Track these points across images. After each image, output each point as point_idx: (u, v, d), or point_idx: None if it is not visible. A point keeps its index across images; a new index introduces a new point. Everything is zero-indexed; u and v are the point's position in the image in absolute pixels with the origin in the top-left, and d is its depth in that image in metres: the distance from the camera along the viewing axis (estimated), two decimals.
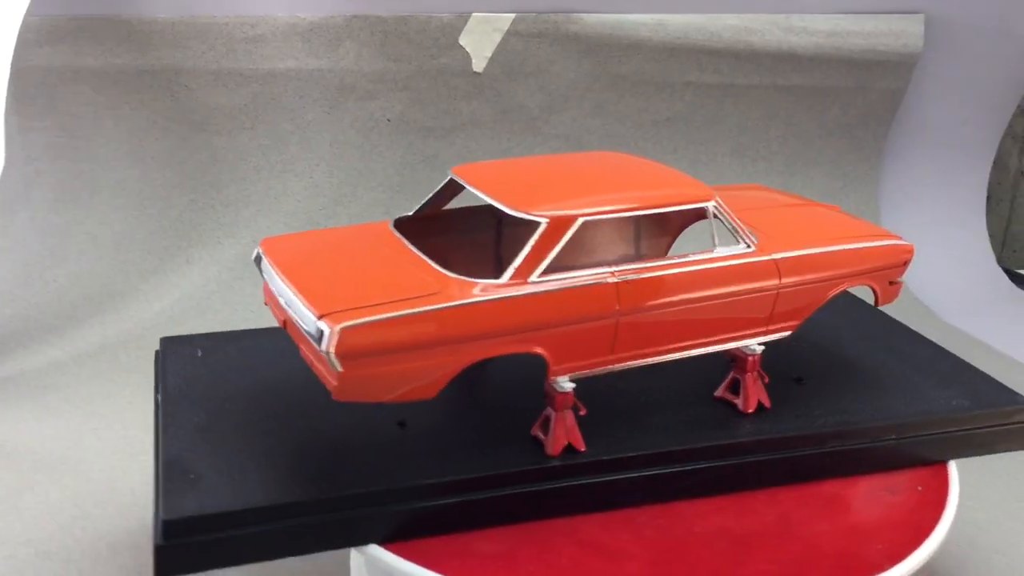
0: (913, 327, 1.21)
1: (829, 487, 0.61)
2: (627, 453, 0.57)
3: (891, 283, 0.66)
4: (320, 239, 0.63)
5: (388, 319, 0.50)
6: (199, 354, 0.68)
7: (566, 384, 0.55)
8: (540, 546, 0.54)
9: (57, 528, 0.75)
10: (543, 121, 1.21)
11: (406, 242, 0.58)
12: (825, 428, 0.62)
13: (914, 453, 0.63)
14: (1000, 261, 1.65)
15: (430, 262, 0.55)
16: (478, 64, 1.16)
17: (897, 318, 1.14)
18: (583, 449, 0.56)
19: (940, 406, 0.65)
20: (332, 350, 0.49)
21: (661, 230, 0.71)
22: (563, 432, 0.56)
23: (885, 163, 1.39)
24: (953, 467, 0.64)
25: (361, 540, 0.53)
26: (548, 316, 0.53)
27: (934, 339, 1.25)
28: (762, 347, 0.62)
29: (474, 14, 1.13)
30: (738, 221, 0.60)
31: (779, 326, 0.62)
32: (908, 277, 1.32)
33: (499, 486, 0.55)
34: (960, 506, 0.61)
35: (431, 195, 0.64)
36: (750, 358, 0.61)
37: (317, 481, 0.54)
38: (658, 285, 0.56)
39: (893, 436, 0.62)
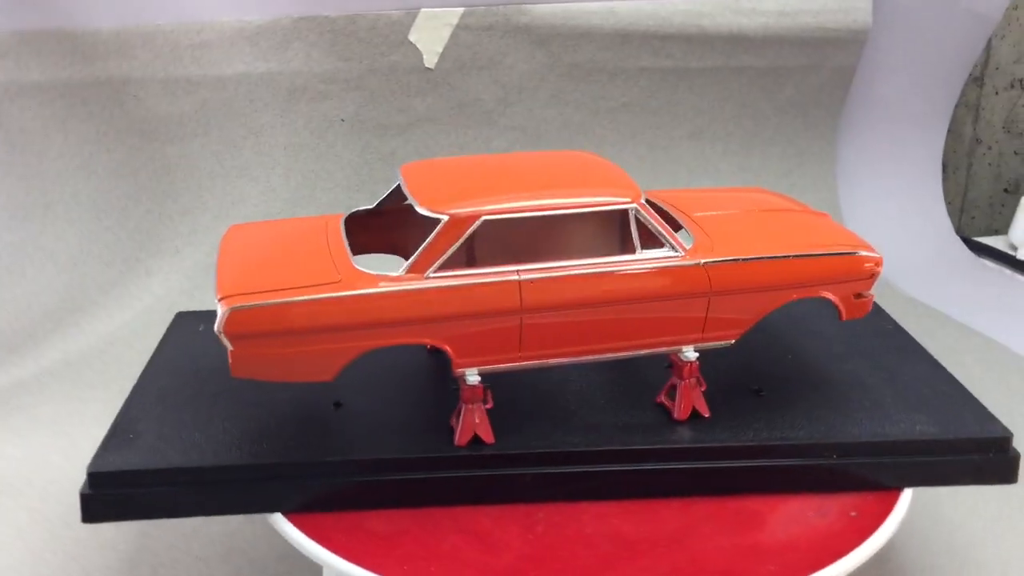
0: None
1: (753, 503, 0.58)
2: (533, 450, 0.58)
3: (857, 296, 0.62)
4: (277, 227, 0.66)
5: (277, 304, 0.53)
6: (201, 328, 0.73)
7: (472, 378, 0.57)
8: (428, 531, 0.56)
9: (27, 552, 0.75)
10: (499, 113, 1.21)
11: (343, 235, 0.60)
12: (754, 442, 0.59)
13: (862, 477, 0.59)
14: (959, 229, 1.67)
15: (348, 255, 0.57)
16: (429, 60, 1.15)
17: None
18: (490, 442, 0.58)
19: (899, 430, 0.60)
20: (222, 330, 0.53)
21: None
22: (471, 424, 0.58)
23: (840, 139, 1.41)
24: (907, 495, 0.60)
25: (264, 509, 0.57)
26: (443, 310, 0.55)
27: (893, 312, 1.27)
28: (696, 355, 0.60)
29: (422, 10, 1.12)
30: (665, 226, 0.57)
31: (716, 334, 0.59)
32: None
33: (401, 471, 0.57)
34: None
35: (387, 192, 0.64)
36: (685, 365, 0.59)
37: (235, 449, 0.58)
38: (565, 286, 0.56)
39: (833, 456, 0.59)
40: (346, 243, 0.59)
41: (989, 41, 1.52)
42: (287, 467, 0.57)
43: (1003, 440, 0.60)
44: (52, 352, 1.04)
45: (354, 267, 0.56)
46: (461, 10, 1.13)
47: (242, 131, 1.13)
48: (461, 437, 0.58)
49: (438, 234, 0.54)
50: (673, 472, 0.58)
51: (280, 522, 0.56)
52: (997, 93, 1.61)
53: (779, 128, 1.34)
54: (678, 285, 0.57)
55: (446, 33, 1.14)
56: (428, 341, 0.56)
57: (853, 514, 0.58)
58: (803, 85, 1.32)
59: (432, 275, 0.55)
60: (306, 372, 0.55)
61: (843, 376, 0.67)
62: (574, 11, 1.17)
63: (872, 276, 0.62)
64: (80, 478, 0.83)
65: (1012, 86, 1.61)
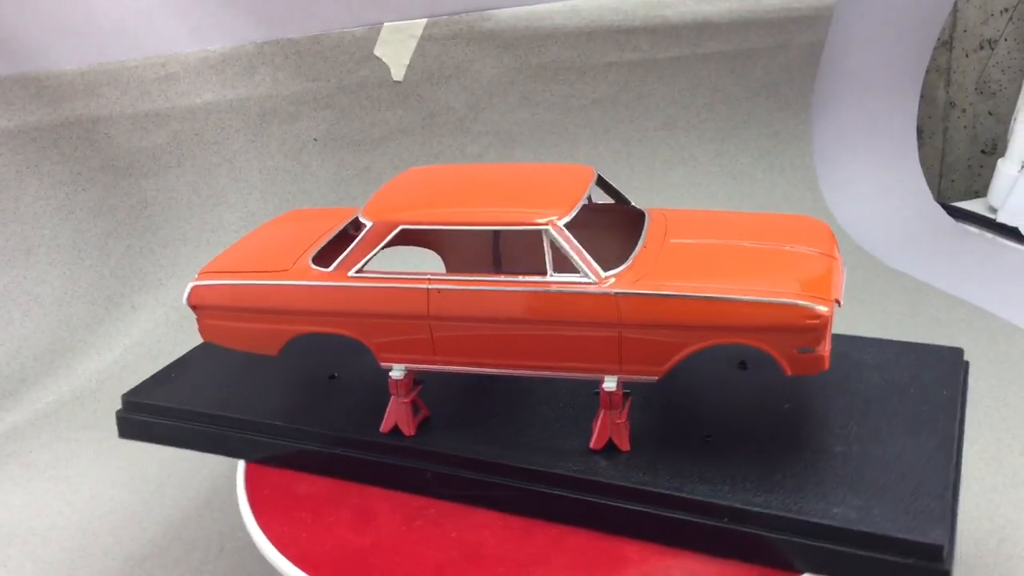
0: (857, 277, 1.24)
1: (628, 548, 0.56)
2: (439, 450, 0.61)
3: (802, 351, 0.53)
4: (316, 216, 0.71)
5: (225, 285, 0.62)
6: None
7: (395, 372, 0.60)
8: (332, 500, 0.61)
9: None
10: (471, 120, 1.21)
11: (336, 228, 0.66)
12: (644, 486, 0.56)
13: (753, 548, 0.53)
14: (940, 194, 1.68)
15: (314, 249, 0.63)
16: (397, 73, 1.15)
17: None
18: (408, 434, 0.62)
19: (808, 507, 0.53)
20: (186, 301, 0.63)
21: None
22: (394, 414, 0.62)
23: (814, 116, 1.41)
24: None
25: (235, 455, 0.67)
26: (359, 308, 0.59)
27: (878, 287, 1.28)
28: (614, 385, 0.57)
29: (385, 25, 1.12)
30: (580, 250, 0.55)
31: (636, 368, 0.56)
32: (848, 226, 1.36)
33: (328, 444, 0.64)
34: None
35: None
36: (605, 395, 0.57)
37: (231, 403, 0.68)
38: (469, 299, 0.57)
39: (724, 519, 0.54)
40: (330, 236, 0.64)
41: (955, 4, 1.52)
42: (254, 425, 0.66)
43: (930, 548, 0.50)
44: (44, 395, 1.05)
45: (308, 260, 0.61)
46: (424, 21, 1.13)
47: (216, 159, 1.13)
48: (384, 425, 0.62)
49: (362, 238, 0.59)
50: (556, 499, 0.58)
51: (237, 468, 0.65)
52: (967, 55, 1.61)
53: (752, 111, 1.34)
54: (584, 313, 0.55)
55: (411, 45, 1.14)
56: (347, 333, 0.60)
57: None
58: (772, 66, 1.32)
59: (353, 275, 0.59)
60: (253, 345, 0.63)
61: (812, 437, 0.59)
62: (537, 13, 1.17)
63: (812, 331, 0.52)
64: (82, 522, 0.85)
65: (981, 47, 1.61)
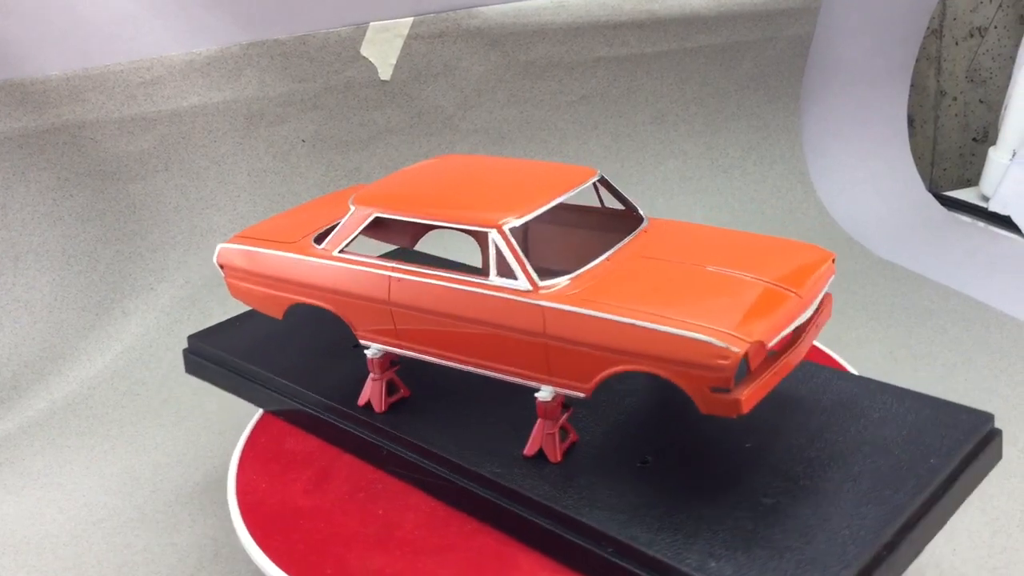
0: (848, 267, 1.24)
1: (526, 559, 0.55)
2: (395, 432, 0.64)
3: (715, 391, 0.49)
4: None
5: (242, 249, 0.69)
6: None
7: (370, 351, 0.65)
8: (309, 460, 0.68)
9: None
10: (459, 118, 1.21)
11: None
12: (547, 501, 0.55)
13: None
14: (932, 183, 1.68)
15: (321, 227, 0.68)
16: (384, 72, 1.15)
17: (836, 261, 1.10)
18: (378, 411, 0.66)
19: (689, 555, 0.50)
20: (215, 260, 0.71)
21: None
22: (368, 390, 0.67)
23: (804, 108, 1.41)
24: None
25: (257, 404, 0.74)
26: (336, 285, 0.64)
27: (870, 278, 1.28)
28: (548, 396, 0.57)
29: (371, 24, 1.12)
30: (520, 257, 0.56)
31: (565, 382, 0.55)
32: (840, 217, 1.36)
33: (316, 408, 0.69)
34: None
35: None
36: (540, 404, 0.57)
37: (261, 358, 0.75)
38: (420, 291, 0.59)
39: (609, 550, 0.52)
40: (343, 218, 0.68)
41: None
42: (268, 381, 0.73)
43: None
44: (36, 402, 1.04)
45: (311, 237, 0.67)
46: (411, 20, 1.13)
47: (204, 162, 1.13)
48: (360, 399, 0.67)
49: (345, 221, 0.63)
50: (471, 495, 0.59)
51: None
52: (957, 43, 1.61)
53: (741, 104, 1.34)
54: (514, 319, 0.56)
55: (398, 44, 1.14)
56: (330, 309, 0.65)
57: None
58: (761, 58, 1.32)
59: (336, 254, 0.63)
60: (262, 307, 0.70)
61: (749, 482, 0.55)
62: (524, 9, 1.17)
63: (720, 371, 0.48)
64: (76, 530, 0.84)
65: (971, 35, 1.61)
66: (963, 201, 1.44)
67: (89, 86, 1.04)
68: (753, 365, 0.49)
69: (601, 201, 0.64)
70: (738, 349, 0.48)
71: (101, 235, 1.12)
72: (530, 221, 0.58)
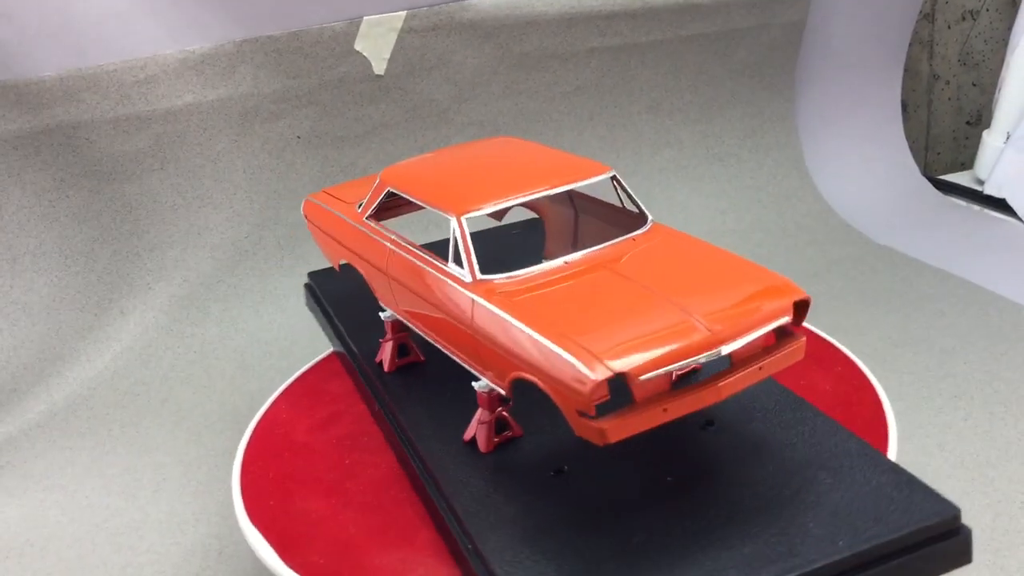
0: (845, 253, 1.24)
1: (426, 536, 0.56)
2: (390, 398, 0.68)
3: (581, 415, 0.46)
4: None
5: (317, 205, 0.76)
6: None
7: (383, 314, 0.70)
8: (329, 403, 0.74)
9: None
10: (454, 111, 1.21)
11: None
12: (447, 495, 0.56)
13: None
14: (926, 167, 1.68)
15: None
16: (378, 67, 1.14)
17: (828, 245, 1.06)
18: (387, 370, 0.71)
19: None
20: (302, 211, 0.79)
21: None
22: (381, 350, 0.71)
23: (798, 94, 1.41)
24: None
25: (331, 344, 0.82)
26: (360, 249, 0.69)
27: (868, 263, 1.28)
28: (483, 387, 0.57)
29: (365, 19, 1.11)
30: (468, 248, 0.55)
31: (491, 376, 0.55)
32: (835, 203, 1.36)
33: (355, 360, 0.75)
34: None
35: None
36: (478, 393, 0.58)
37: (343, 307, 0.81)
38: (402, 266, 0.62)
39: (469, 545, 0.52)
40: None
41: None
42: (336, 330, 0.80)
43: None
44: (36, 404, 1.04)
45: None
46: (403, 14, 1.12)
47: (199, 160, 1.12)
48: (377, 356, 0.72)
49: (372, 191, 0.68)
50: (409, 467, 0.61)
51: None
52: (949, 27, 1.61)
53: (736, 91, 1.34)
54: (454, 307, 0.56)
55: (392, 39, 1.13)
56: (358, 269, 0.70)
57: None
58: (755, 46, 1.32)
59: (366, 220, 0.68)
60: (328, 257, 0.77)
61: (630, 523, 0.52)
62: (517, 1, 1.16)
63: (578, 395, 0.46)
64: (79, 532, 0.84)
65: (963, 18, 1.61)
66: (958, 185, 1.44)
67: (83, 86, 1.04)
68: (637, 396, 0.46)
69: (619, 198, 0.63)
70: (595, 376, 0.45)
71: (98, 235, 1.12)
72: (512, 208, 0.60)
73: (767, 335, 0.51)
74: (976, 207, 1.37)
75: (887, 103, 1.47)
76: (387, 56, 1.14)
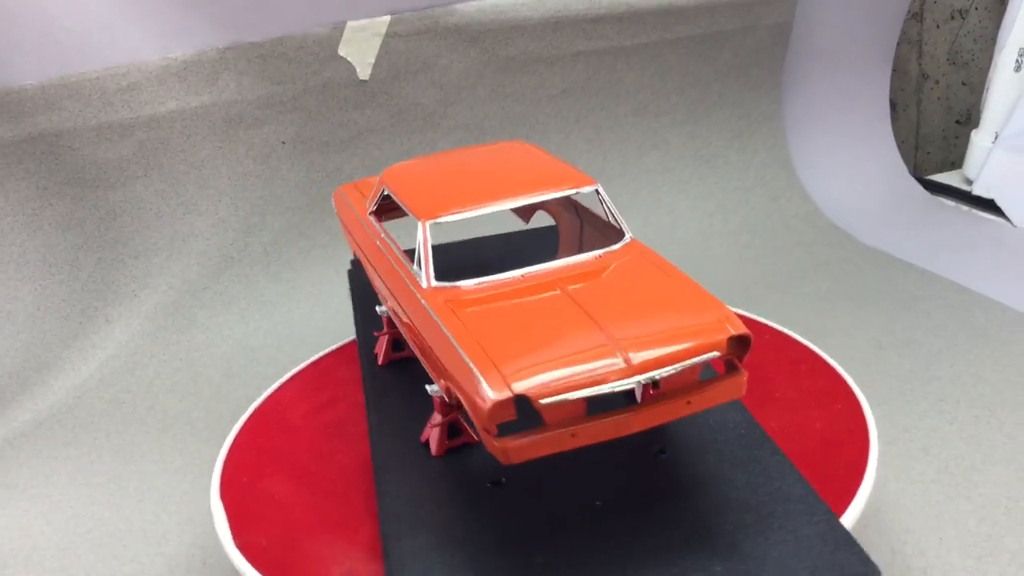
0: (832, 254, 1.24)
1: (367, 531, 0.57)
2: (377, 377, 0.72)
3: (485, 430, 0.47)
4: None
5: (341, 197, 0.80)
6: None
7: (378, 308, 0.73)
8: (332, 387, 0.79)
9: None
10: (440, 115, 1.20)
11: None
12: (383, 492, 0.57)
13: None
14: (916, 166, 1.68)
15: None
16: (363, 72, 1.14)
17: (816, 246, 1.07)
18: (380, 363, 0.74)
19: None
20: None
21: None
22: (379, 344, 0.75)
23: (785, 96, 1.40)
24: None
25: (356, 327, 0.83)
26: (362, 243, 0.71)
27: (855, 264, 1.27)
28: (435, 391, 0.57)
29: (349, 23, 1.11)
30: (427, 255, 0.57)
31: (442, 382, 0.54)
32: (823, 204, 1.36)
33: (361, 349, 0.78)
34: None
35: None
36: (433, 396, 0.58)
37: (366, 298, 0.83)
38: (384, 265, 0.64)
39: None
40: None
41: None
42: (357, 313, 0.83)
43: None
44: (21, 413, 1.04)
45: None
46: (388, 18, 1.12)
47: (183, 167, 1.12)
48: (376, 347, 0.76)
49: (373, 190, 0.71)
50: (368, 461, 0.65)
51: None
52: (938, 26, 1.61)
53: (723, 93, 1.34)
54: (411, 309, 0.57)
55: (376, 43, 1.13)
56: (361, 261, 0.73)
57: None
58: (741, 48, 1.32)
59: (368, 216, 0.70)
60: (349, 243, 0.78)
61: (531, 542, 0.53)
62: (502, 6, 1.16)
63: (478, 413, 0.46)
64: (63, 542, 0.84)
65: (952, 17, 1.61)
66: (946, 185, 1.44)
67: (65, 94, 1.03)
68: (547, 419, 0.46)
69: (603, 211, 0.63)
70: (494, 396, 0.45)
71: (82, 243, 1.11)
72: (459, 220, 0.59)
73: (714, 366, 0.50)
74: (965, 207, 1.37)
75: (875, 103, 1.46)
76: (372, 61, 1.14)
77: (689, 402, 0.49)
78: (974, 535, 0.74)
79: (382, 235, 0.66)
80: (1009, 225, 1.29)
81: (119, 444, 0.98)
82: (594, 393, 0.46)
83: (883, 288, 1.16)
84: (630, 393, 0.47)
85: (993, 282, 1.13)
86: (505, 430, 0.46)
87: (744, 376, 0.50)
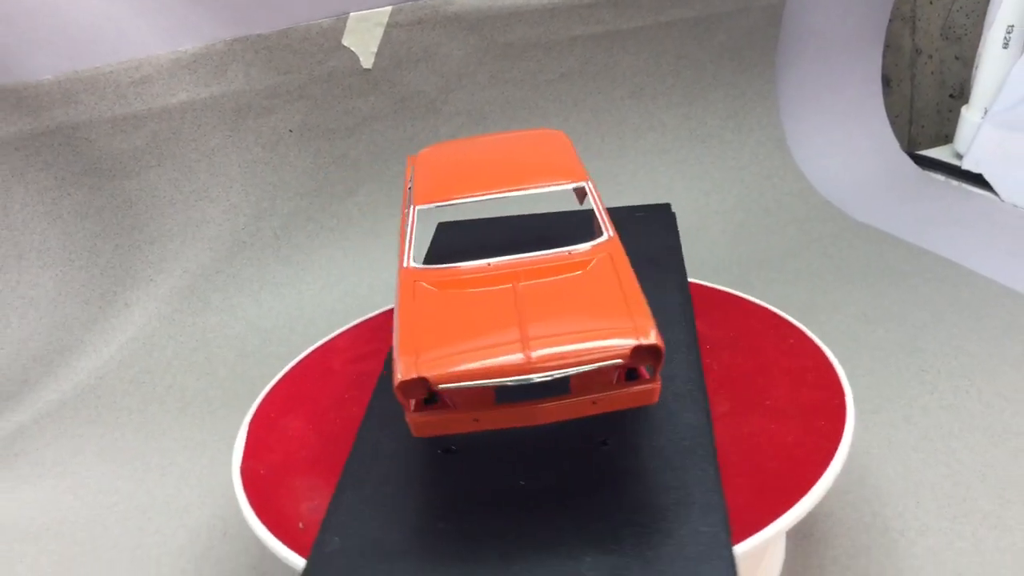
0: (824, 231, 1.28)
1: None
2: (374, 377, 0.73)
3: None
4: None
5: (407, 167, 0.75)
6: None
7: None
8: (349, 377, 0.76)
9: None
10: (442, 102, 1.24)
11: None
12: (358, 440, 0.62)
13: None
14: (910, 140, 1.70)
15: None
16: (366, 61, 1.17)
17: (808, 223, 1.10)
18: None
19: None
20: None
21: None
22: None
23: (779, 75, 1.43)
24: None
25: None
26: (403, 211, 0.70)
27: (845, 239, 1.30)
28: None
29: (351, 14, 1.14)
30: (408, 237, 0.61)
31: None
32: (817, 182, 1.39)
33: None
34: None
35: None
36: None
37: None
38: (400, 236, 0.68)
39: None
40: None
41: None
42: None
43: None
44: (47, 394, 1.08)
45: None
46: (389, 8, 1.15)
47: (195, 156, 1.16)
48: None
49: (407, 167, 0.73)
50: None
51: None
52: (931, 2, 1.63)
53: (717, 74, 1.36)
54: (396, 281, 0.61)
55: (378, 33, 1.16)
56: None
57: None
58: (735, 29, 1.34)
59: (407, 188, 0.71)
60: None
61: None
62: None
63: (395, 389, 0.49)
64: (91, 515, 0.88)
65: None
66: (938, 160, 1.47)
67: (80, 88, 1.07)
68: (452, 402, 0.50)
69: (595, 207, 0.66)
70: (401, 376, 0.48)
71: (100, 230, 1.15)
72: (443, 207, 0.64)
73: (635, 371, 0.52)
74: (955, 182, 1.40)
75: (868, 80, 1.49)
76: (374, 50, 1.17)
77: (595, 402, 0.51)
78: (950, 498, 0.77)
79: (404, 211, 0.68)
80: (997, 200, 1.32)
81: (141, 422, 1.02)
82: (491, 384, 0.49)
83: (872, 263, 1.19)
84: (548, 386, 0.50)
85: (980, 257, 1.16)
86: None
87: (655, 385, 0.51)
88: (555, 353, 0.49)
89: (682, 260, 0.80)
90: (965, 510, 0.76)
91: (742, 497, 0.57)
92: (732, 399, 0.67)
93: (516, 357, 0.49)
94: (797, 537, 0.74)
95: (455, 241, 0.82)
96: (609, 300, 0.54)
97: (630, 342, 0.49)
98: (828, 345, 1.00)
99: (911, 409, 0.89)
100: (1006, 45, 1.38)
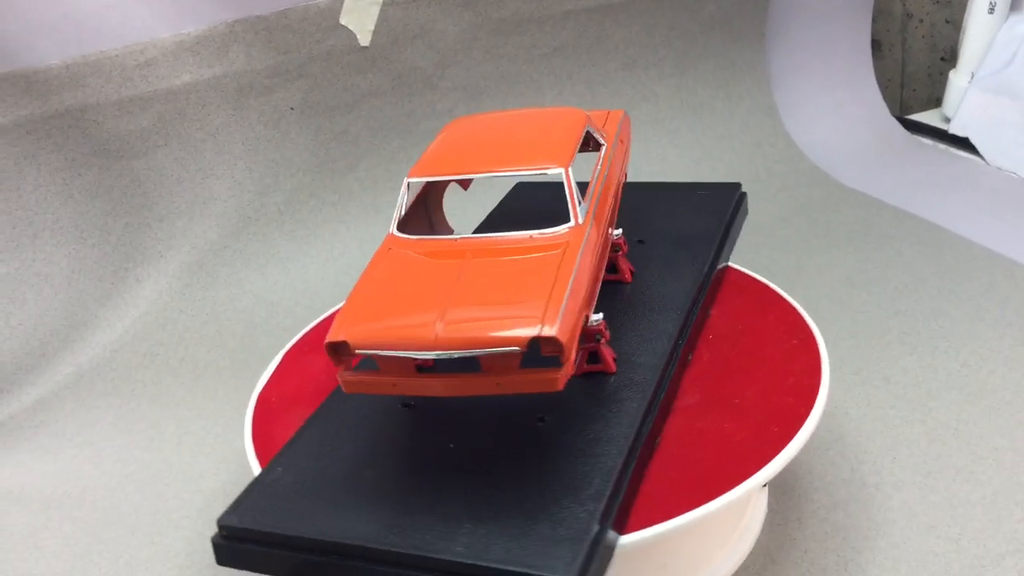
0: (813, 196, 1.31)
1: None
2: None
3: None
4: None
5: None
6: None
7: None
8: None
9: (76, 557, 0.81)
10: (439, 77, 1.26)
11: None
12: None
13: None
14: (901, 104, 1.72)
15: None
16: (363, 39, 1.20)
17: (798, 190, 1.11)
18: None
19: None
20: None
21: None
22: None
23: (769, 44, 1.45)
24: None
25: None
26: None
27: (831, 204, 1.33)
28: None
29: None
30: (400, 207, 0.66)
31: None
32: (807, 148, 1.42)
33: None
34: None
35: None
36: None
37: None
38: None
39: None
40: None
41: None
42: None
43: None
44: (64, 367, 1.11)
45: None
46: None
47: (200, 135, 1.19)
48: None
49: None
50: None
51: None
52: None
53: (707, 45, 1.39)
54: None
55: (375, 12, 1.18)
56: None
57: None
58: (725, 0, 1.37)
59: None
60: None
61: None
62: None
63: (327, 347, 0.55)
64: (111, 483, 0.92)
65: None
66: (926, 124, 1.49)
67: (88, 72, 1.10)
68: (380, 365, 0.54)
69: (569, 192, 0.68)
70: (330, 337, 0.54)
71: (110, 209, 1.18)
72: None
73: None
74: (942, 146, 1.43)
75: (857, 48, 1.51)
76: (372, 28, 1.19)
77: (499, 384, 0.53)
78: (925, 454, 0.81)
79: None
80: (983, 163, 1.35)
81: (155, 393, 1.05)
82: (403, 356, 0.53)
83: (859, 228, 1.22)
84: (464, 362, 0.53)
85: (964, 221, 1.19)
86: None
87: (558, 373, 0.53)
88: (459, 336, 0.52)
89: (715, 246, 0.79)
90: (940, 466, 0.80)
91: (713, 457, 0.60)
92: (704, 392, 0.67)
93: (426, 333, 0.53)
94: (778, 492, 0.78)
95: (516, 205, 0.86)
96: (534, 288, 0.55)
97: (529, 332, 0.51)
98: (813, 310, 1.03)
99: (891, 370, 0.93)
100: (992, 10, 1.40)
